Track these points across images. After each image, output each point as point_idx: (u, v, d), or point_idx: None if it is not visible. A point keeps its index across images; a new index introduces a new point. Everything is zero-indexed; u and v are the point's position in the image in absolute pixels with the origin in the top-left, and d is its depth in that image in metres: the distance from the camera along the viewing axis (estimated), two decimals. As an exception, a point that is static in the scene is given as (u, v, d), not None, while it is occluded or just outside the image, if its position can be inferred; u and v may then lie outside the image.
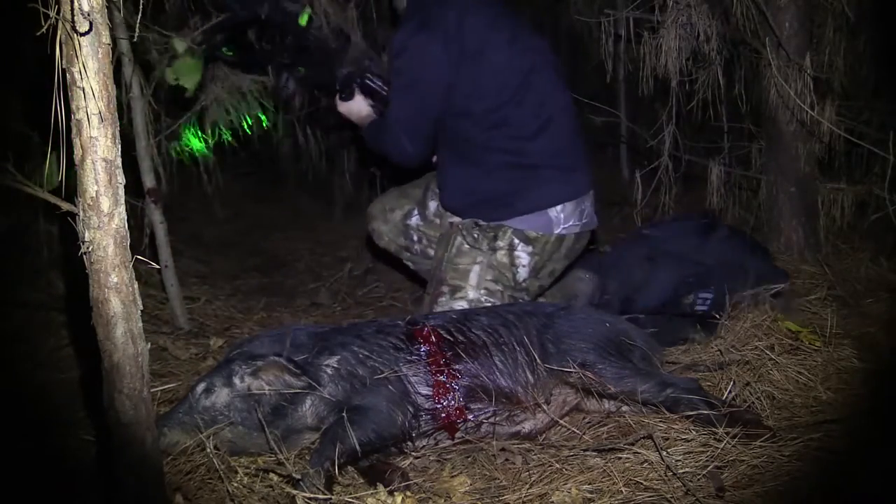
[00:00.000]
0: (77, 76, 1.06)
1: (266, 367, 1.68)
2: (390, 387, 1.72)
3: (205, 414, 1.64)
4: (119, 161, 1.12)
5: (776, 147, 2.84)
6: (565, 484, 1.52)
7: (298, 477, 1.51)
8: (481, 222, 2.29)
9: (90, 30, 1.05)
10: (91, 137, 1.08)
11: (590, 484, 1.52)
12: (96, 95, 1.07)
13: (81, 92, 1.06)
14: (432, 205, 2.53)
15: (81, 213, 1.11)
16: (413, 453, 1.74)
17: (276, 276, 3.38)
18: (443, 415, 1.74)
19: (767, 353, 1.96)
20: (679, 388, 1.74)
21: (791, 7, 2.67)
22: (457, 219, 2.36)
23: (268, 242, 3.87)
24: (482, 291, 2.23)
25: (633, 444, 1.60)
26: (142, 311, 1.18)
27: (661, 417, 1.72)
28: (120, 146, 1.12)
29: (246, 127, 2.86)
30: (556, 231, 2.27)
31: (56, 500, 1.56)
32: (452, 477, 1.62)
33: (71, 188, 1.12)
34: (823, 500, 1.39)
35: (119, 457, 1.20)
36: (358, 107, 2.46)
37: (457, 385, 1.76)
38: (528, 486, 1.53)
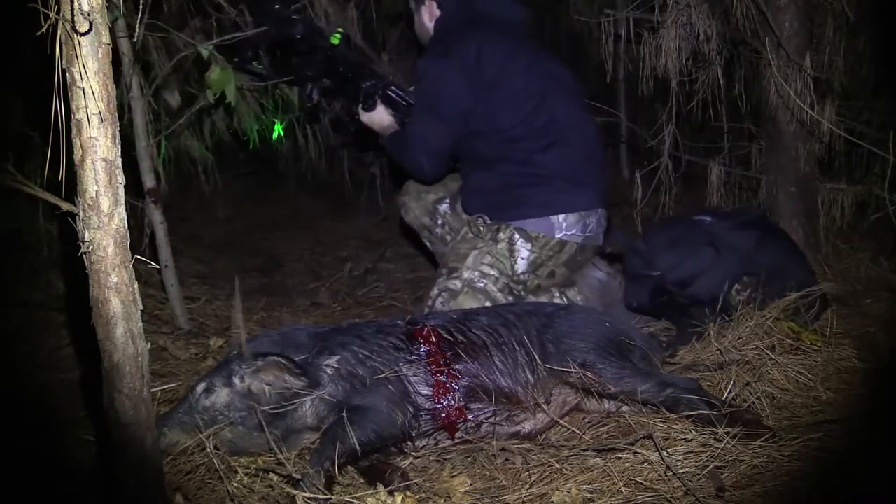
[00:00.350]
0: (77, 76, 1.06)
1: (266, 367, 1.68)
2: (390, 387, 1.72)
3: (205, 414, 1.64)
4: (119, 161, 1.12)
5: (776, 147, 2.84)
6: (565, 484, 1.52)
7: (298, 477, 1.51)
8: (487, 220, 2.40)
9: (90, 30, 1.05)
10: (91, 137, 1.08)
11: (590, 484, 1.52)
12: (96, 95, 1.07)
13: (81, 92, 1.06)
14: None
15: (81, 213, 1.11)
16: (413, 453, 1.74)
17: (276, 276, 3.38)
18: (443, 415, 1.74)
19: (767, 353, 1.96)
20: (679, 388, 1.74)
21: (791, 7, 2.67)
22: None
23: (268, 242, 3.87)
24: (476, 273, 2.32)
25: (633, 444, 1.60)
26: (142, 311, 1.18)
27: (661, 417, 1.72)
28: (120, 146, 1.11)
29: (254, 137, 2.89)
30: (558, 235, 2.36)
31: (56, 500, 1.56)
32: (452, 477, 1.62)
33: (71, 188, 1.12)
34: (823, 500, 1.39)
35: (119, 457, 1.20)
36: (380, 117, 2.55)
37: (457, 385, 1.76)
38: (528, 486, 1.53)
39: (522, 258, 2.34)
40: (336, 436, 1.59)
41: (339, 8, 3.05)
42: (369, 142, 2.77)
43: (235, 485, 1.50)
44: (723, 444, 1.54)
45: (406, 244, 3.69)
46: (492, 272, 2.32)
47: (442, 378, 1.75)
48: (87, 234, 1.11)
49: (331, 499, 1.45)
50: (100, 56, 1.07)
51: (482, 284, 2.30)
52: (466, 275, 2.32)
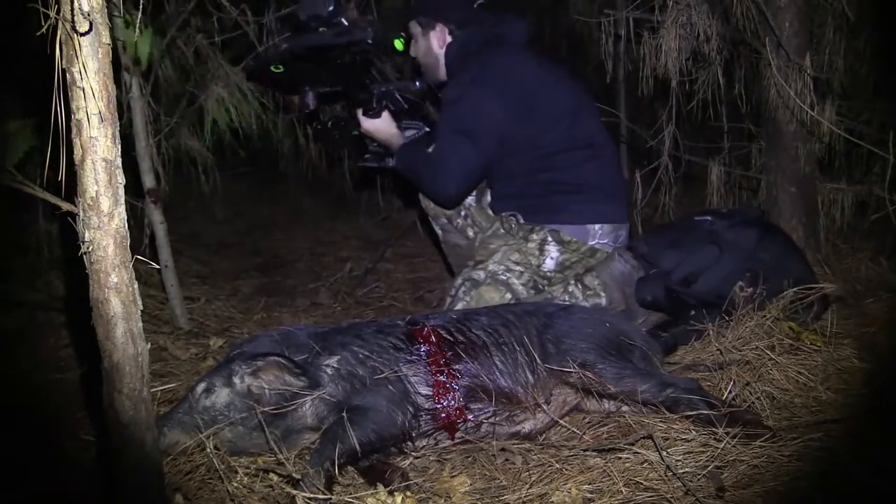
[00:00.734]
0: (77, 76, 1.06)
1: (266, 367, 1.68)
2: (390, 387, 1.72)
3: (205, 414, 1.64)
4: (119, 161, 1.11)
5: (776, 147, 2.84)
6: (565, 484, 1.52)
7: (298, 477, 1.51)
8: (520, 218, 2.41)
9: (90, 30, 1.05)
10: (91, 137, 1.08)
11: (590, 484, 1.52)
12: (96, 95, 1.06)
13: (81, 92, 1.06)
14: (489, 195, 2.60)
15: (81, 213, 1.11)
16: (413, 453, 1.74)
17: (276, 276, 3.38)
18: (443, 415, 1.74)
19: (767, 353, 1.96)
20: (679, 388, 1.74)
21: (791, 7, 2.67)
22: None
23: (268, 242, 3.87)
24: (502, 267, 2.33)
25: (633, 444, 1.60)
26: (142, 311, 1.18)
27: (661, 417, 1.72)
28: (120, 146, 1.11)
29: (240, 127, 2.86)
30: (591, 242, 2.38)
31: (56, 500, 1.56)
32: (452, 477, 1.62)
33: (71, 188, 1.12)
34: (823, 500, 1.39)
35: (119, 457, 1.20)
36: (386, 125, 2.48)
37: (457, 385, 1.76)
38: (528, 486, 1.53)
39: (552, 258, 2.36)
40: (336, 436, 1.59)
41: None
42: (356, 149, 2.68)
43: (235, 485, 1.50)
44: (723, 444, 1.54)
45: (406, 244, 3.69)
46: (517, 267, 2.33)
47: (442, 378, 1.75)
48: (87, 234, 1.11)
49: (331, 499, 1.45)
50: (100, 56, 1.07)
51: (506, 277, 2.32)
52: (492, 267, 2.33)
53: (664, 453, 1.52)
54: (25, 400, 1.99)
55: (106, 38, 1.07)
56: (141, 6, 1.42)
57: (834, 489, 1.41)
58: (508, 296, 2.30)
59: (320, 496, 1.44)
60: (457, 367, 1.77)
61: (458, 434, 1.77)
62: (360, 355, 1.77)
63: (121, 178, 1.12)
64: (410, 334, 1.82)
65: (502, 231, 2.40)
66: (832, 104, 2.64)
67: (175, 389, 2.03)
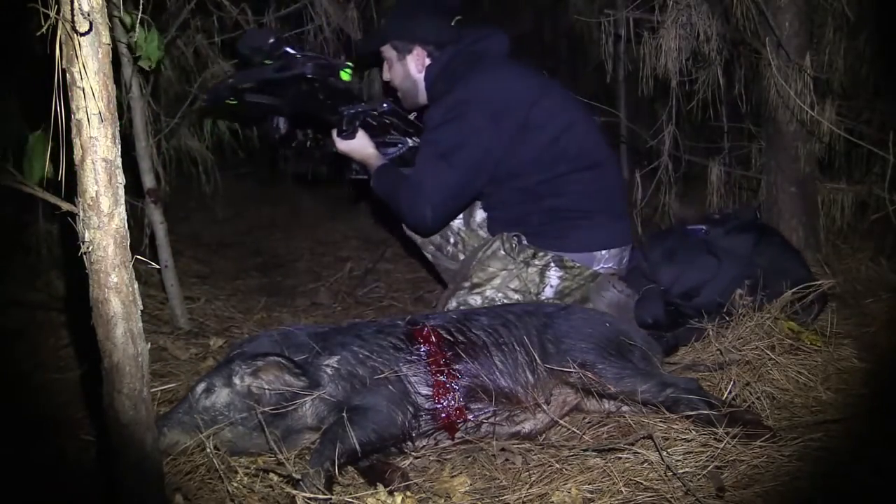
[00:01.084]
0: (77, 76, 1.06)
1: (266, 367, 1.68)
2: (390, 387, 1.72)
3: (205, 414, 1.64)
4: (119, 161, 1.12)
5: (776, 147, 2.84)
6: (565, 484, 1.52)
7: (298, 477, 1.51)
8: (524, 240, 2.30)
9: (90, 30, 1.05)
10: (91, 137, 1.08)
11: (590, 484, 1.52)
12: (96, 95, 1.06)
13: (81, 92, 1.06)
14: (479, 213, 2.50)
15: (81, 213, 1.11)
16: (413, 453, 1.74)
17: (276, 276, 3.38)
18: (443, 415, 1.74)
19: (767, 353, 1.96)
20: (679, 388, 1.74)
21: (791, 7, 2.67)
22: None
23: (268, 242, 3.87)
24: (500, 294, 2.24)
25: (633, 444, 1.60)
26: (142, 311, 1.18)
27: (661, 417, 1.72)
28: (120, 146, 1.11)
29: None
30: (595, 267, 2.31)
31: (56, 501, 1.56)
32: (452, 477, 1.62)
33: (71, 188, 1.12)
34: (823, 500, 1.39)
35: (119, 457, 1.20)
36: (361, 144, 2.38)
37: (457, 385, 1.76)
38: (528, 486, 1.53)
39: (552, 286, 2.27)
40: (336, 436, 1.59)
41: (339, 8, 3.05)
42: (340, 170, 2.58)
43: (235, 485, 1.50)
44: (723, 444, 1.54)
45: (406, 244, 3.69)
46: (515, 296, 2.24)
47: (442, 378, 1.75)
48: (87, 234, 1.11)
49: (331, 499, 1.45)
50: (100, 56, 1.07)
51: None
52: (489, 293, 2.24)
53: (664, 453, 1.52)
54: (25, 400, 1.99)
55: (106, 38, 1.08)
56: (141, 6, 1.42)
57: (834, 489, 1.41)
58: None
59: (320, 496, 1.44)
60: (457, 367, 1.77)
61: (458, 434, 1.77)
62: (360, 355, 1.77)
63: (121, 178, 1.12)
64: (410, 334, 1.82)
65: (502, 252, 2.27)
66: (832, 104, 2.64)
67: (175, 389, 2.03)
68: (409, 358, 1.78)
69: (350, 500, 1.47)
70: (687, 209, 3.23)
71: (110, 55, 1.09)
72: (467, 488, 1.57)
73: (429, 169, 2.22)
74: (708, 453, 1.54)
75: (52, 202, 1.15)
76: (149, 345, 1.20)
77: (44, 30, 1.05)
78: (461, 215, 2.49)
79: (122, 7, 1.85)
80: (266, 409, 1.65)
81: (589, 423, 1.83)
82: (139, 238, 2.48)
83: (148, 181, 2.40)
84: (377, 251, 3.60)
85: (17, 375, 2.12)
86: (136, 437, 1.19)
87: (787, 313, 2.15)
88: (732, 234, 2.38)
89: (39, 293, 2.61)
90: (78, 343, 2.26)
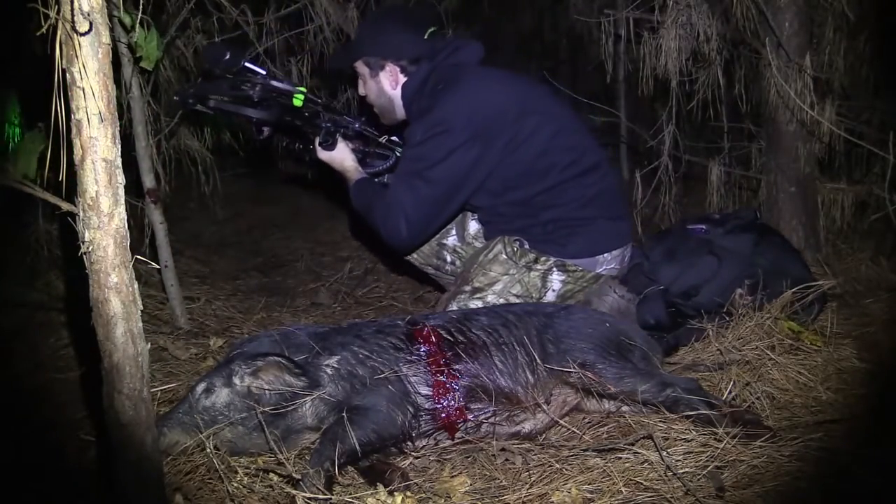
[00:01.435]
0: (77, 76, 1.06)
1: (266, 367, 1.68)
2: (390, 387, 1.72)
3: (205, 414, 1.64)
4: (119, 161, 1.11)
5: (776, 147, 2.84)
6: (565, 484, 1.52)
7: (298, 477, 1.51)
8: (525, 244, 2.28)
9: (90, 30, 1.05)
10: (91, 137, 1.08)
11: (590, 484, 1.52)
12: (96, 95, 1.06)
13: (81, 92, 1.06)
14: (472, 225, 2.49)
15: (81, 213, 1.11)
16: (413, 453, 1.74)
17: (276, 276, 3.38)
18: (443, 415, 1.74)
19: (767, 353, 1.96)
20: (679, 388, 1.74)
21: (791, 7, 2.67)
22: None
23: (268, 242, 3.87)
24: (502, 300, 2.22)
25: (633, 444, 1.60)
26: (142, 311, 1.18)
27: (661, 417, 1.72)
28: (120, 146, 1.11)
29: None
30: (598, 270, 2.30)
31: (56, 500, 1.56)
32: (452, 477, 1.62)
33: (71, 188, 1.12)
34: (823, 500, 1.39)
35: (119, 457, 1.20)
36: (341, 155, 2.35)
37: (457, 385, 1.76)
38: (528, 486, 1.53)
39: (554, 290, 2.25)
40: (336, 436, 1.59)
41: (339, 8, 3.05)
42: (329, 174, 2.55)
43: (235, 485, 1.50)
44: (723, 444, 1.54)
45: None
46: (517, 301, 2.22)
47: (442, 378, 1.75)
48: (87, 234, 1.11)
49: (331, 499, 1.45)
50: (100, 56, 1.07)
51: None
52: (490, 299, 2.21)
53: (664, 453, 1.52)
54: (25, 400, 1.99)
55: (106, 38, 1.07)
56: (141, 6, 1.42)
57: (834, 489, 1.41)
58: None
59: (320, 496, 1.44)
60: (457, 367, 1.77)
61: (458, 434, 1.77)
62: (360, 355, 1.77)
63: (121, 178, 1.12)
64: (410, 334, 1.82)
65: (504, 256, 2.24)
66: (832, 104, 2.64)
67: (175, 389, 2.03)
68: (409, 358, 1.78)
69: (350, 500, 1.47)
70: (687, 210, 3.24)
71: (110, 55, 1.09)
72: (467, 488, 1.57)
73: (406, 185, 2.17)
74: (708, 453, 1.54)
75: (52, 202, 1.15)
76: (149, 345, 1.20)
77: (44, 30, 1.05)
78: (454, 231, 2.47)
79: (122, 7, 1.84)
80: (266, 409, 1.65)
81: (589, 423, 1.83)
82: (139, 238, 2.48)
83: (148, 181, 2.40)
84: (377, 251, 3.60)
85: (17, 375, 2.12)
86: (136, 437, 1.19)
87: (787, 313, 2.15)
88: (733, 233, 2.38)
89: (39, 293, 2.61)
90: (78, 343, 2.26)
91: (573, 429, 1.79)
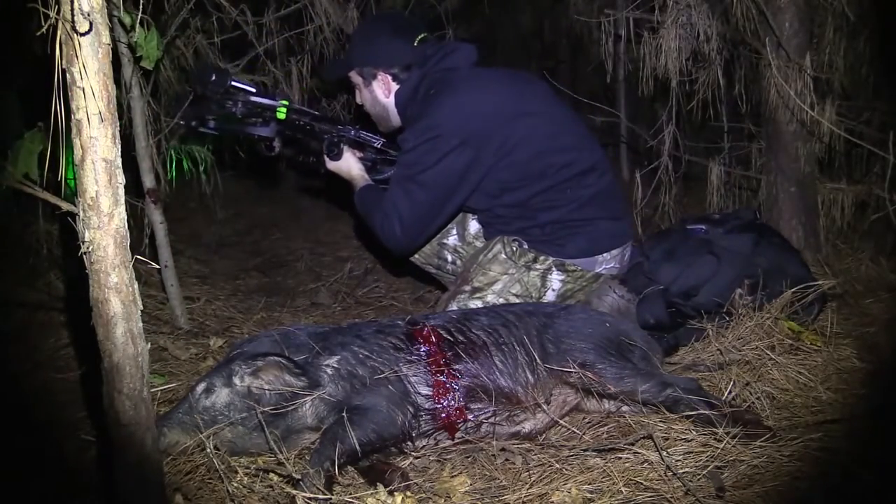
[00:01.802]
0: (77, 76, 1.06)
1: (266, 367, 1.68)
2: (390, 387, 1.72)
3: (205, 414, 1.64)
4: (119, 161, 1.12)
5: (776, 147, 2.84)
6: (565, 484, 1.52)
7: (298, 477, 1.51)
8: (524, 244, 2.29)
9: (90, 30, 1.05)
10: (91, 137, 1.08)
11: (590, 484, 1.52)
12: (96, 95, 1.07)
13: (81, 92, 1.06)
14: (473, 225, 2.49)
15: (81, 213, 1.11)
16: (413, 453, 1.74)
17: (276, 276, 3.38)
18: (443, 415, 1.74)
19: (767, 353, 1.96)
20: (679, 388, 1.74)
21: (791, 7, 2.67)
22: None
23: (268, 242, 3.87)
24: (501, 299, 2.23)
25: (633, 444, 1.60)
26: (142, 311, 1.18)
27: (661, 417, 1.72)
28: (120, 146, 1.12)
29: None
30: (597, 269, 2.30)
31: (56, 500, 1.56)
32: (452, 477, 1.62)
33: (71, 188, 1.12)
34: (823, 500, 1.39)
35: (119, 457, 1.20)
36: (348, 165, 2.40)
37: (457, 385, 1.76)
38: (528, 486, 1.53)
39: (553, 290, 2.26)
40: (336, 436, 1.59)
41: (339, 8, 3.05)
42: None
43: (235, 485, 1.50)
44: (723, 444, 1.54)
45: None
46: (516, 301, 2.22)
47: (442, 378, 1.75)
48: (87, 234, 1.11)
49: (331, 499, 1.45)
50: (100, 56, 1.07)
51: None
52: (490, 298, 2.22)
53: (664, 453, 1.52)
54: (25, 400, 1.99)
55: (106, 38, 1.08)
56: (141, 6, 1.42)
57: (834, 489, 1.41)
58: None
59: (320, 496, 1.44)
60: (457, 367, 1.77)
61: (458, 434, 1.77)
62: (360, 355, 1.77)
63: (121, 178, 1.12)
64: (410, 334, 1.82)
65: (503, 256, 2.25)
66: (832, 104, 2.64)
67: (175, 389, 2.03)
68: (409, 358, 1.78)
69: (350, 500, 1.47)
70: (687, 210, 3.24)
71: (110, 55, 1.09)
72: (467, 488, 1.57)
73: (401, 190, 2.21)
74: (708, 453, 1.54)
75: (52, 202, 1.15)
76: (149, 345, 1.20)
77: (44, 30, 1.05)
78: (455, 231, 2.49)
79: (122, 7, 1.85)
80: (266, 409, 1.65)
81: (589, 423, 1.83)
82: (139, 238, 2.48)
83: (148, 181, 2.40)
84: (377, 251, 3.60)
85: (17, 375, 2.12)
86: (136, 437, 1.19)
87: (787, 313, 2.15)
88: (732, 233, 2.38)
89: (39, 293, 2.61)
90: (78, 343, 2.26)
91: (573, 429, 1.79)
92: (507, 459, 1.70)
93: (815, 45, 2.85)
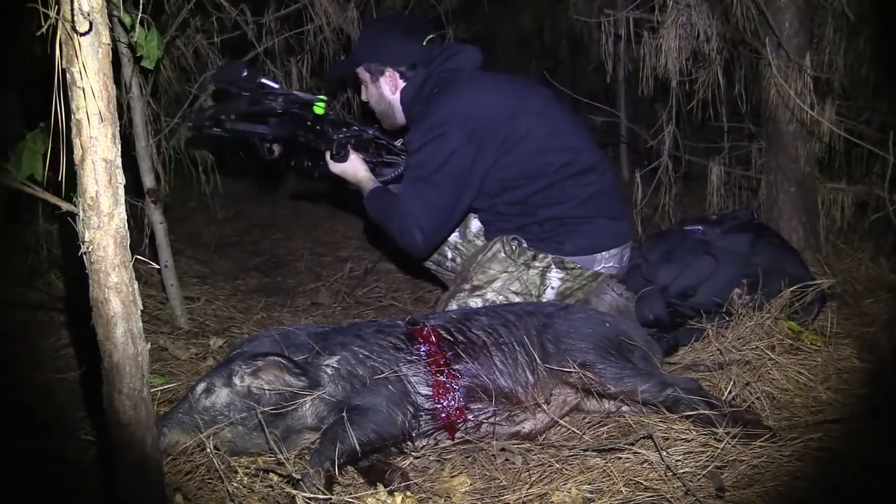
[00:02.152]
0: (77, 76, 1.06)
1: (266, 367, 1.68)
2: (390, 387, 1.72)
3: (205, 414, 1.64)
4: (119, 161, 1.12)
5: (776, 147, 2.84)
6: (565, 484, 1.52)
7: (298, 477, 1.51)
8: (524, 243, 2.30)
9: (90, 30, 1.05)
10: (91, 137, 1.08)
11: (590, 484, 1.52)
12: (96, 95, 1.07)
13: (81, 92, 1.06)
14: (474, 223, 2.50)
15: (81, 213, 1.11)
16: (413, 453, 1.74)
17: (276, 276, 3.38)
18: (443, 415, 1.74)
19: (767, 353, 1.96)
20: (679, 388, 1.74)
21: (791, 7, 2.67)
22: None
23: (268, 242, 3.87)
24: (500, 297, 2.23)
25: (633, 444, 1.60)
26: (142, 311, 1.18)
27: (661, 417, 1.72)
28: (120, 146, 1.12)
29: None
30: (597, 268, 2.31)
31: (56, 500, 1.56)
32: (452, 477, 1.62)
33: (71, 188, 1.12)
34: (823, 500, 1.39)
35: (119, 457, 1.20)
36: (353, 167, 2.39)
37: (457, 385, 1.76)
38: (528, 486, 1.53)
39: (553, 287, 2.27)
40: (336, 436, 1.59)
41: (339, 8, 3.05)
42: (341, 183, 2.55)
43: (235, 485, 1.50)
44: (723, 444, 1.54)
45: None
46: (516, 298, 2.23)
47: (442, 378, 1.75)
48: (87, 234, 1.11)
49: (331, 499, 1.45)
50: (100, 56, 1.07)
51: None
52: (490, 296, 2.23)
53: (664, 453, 1.52)
54: (25, 400, 1.99)
55: (106, 38, 1.08)
56: (141, 6, 1.42)
57: (834, 489, 1.41)
58: None
59: (320, 496, 1.44)
60: (457, 367, 1.77)
61: (458, 434, 1.77)
62: (360, 355, 1.77)
63: (121, 178, 1.12)
64: (410, 334, 1.82)
65: (502, 255, 2.26)
66: (832, 104, 2.64)
67: (175, 389, 2.03)
68: (409, 358, 1.78)
69: (350, 500, 1.47)
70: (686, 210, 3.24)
71: (110, 55, 1.09)
72: (467, 488, 1.57)
73: (415, 192, 2.21)
74: (708, 453, 1.54)
75: (52, 202, 1.15)
76: (149, 345, 1.20)
77: (44, 30, 1.05)
78: (456, 230, 2.48)
79: (122, 7, 1.85)
80: (266, 409, 1.65)
81: (589, 423, 1.83)
82: (139, 238, 2.48)
83: (148, 181, 2.40)
84: (377, 251, 3.60)
85: (17, 375, 2.12)
86: (136, 437, 1.19)
87: (787, 313, 2.15)
88: (730, 234, 2.38)
89: (39, 293, 2.61)
90: (78, 343, 2.26)
91: (573, 429, 1.79)
92: (507, 459, 1.70)
93: (815, 45, 2.85)
